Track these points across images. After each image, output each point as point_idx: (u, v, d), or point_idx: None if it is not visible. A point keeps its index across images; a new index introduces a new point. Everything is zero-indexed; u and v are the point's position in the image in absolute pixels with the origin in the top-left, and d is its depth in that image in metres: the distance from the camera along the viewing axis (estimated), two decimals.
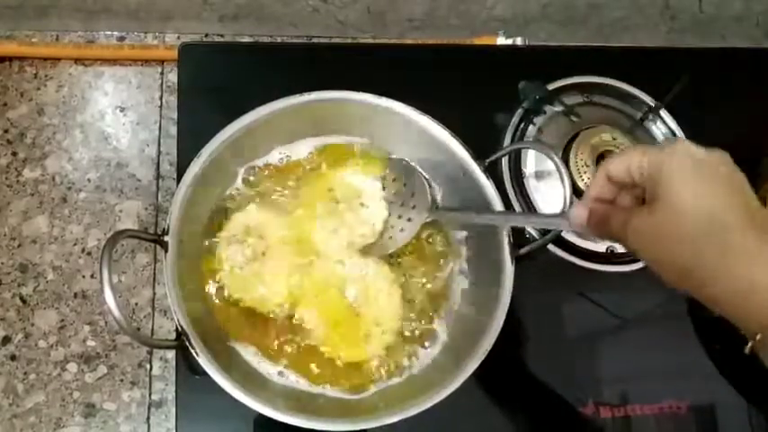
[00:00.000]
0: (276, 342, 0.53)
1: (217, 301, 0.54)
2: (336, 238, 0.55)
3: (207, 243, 0.55)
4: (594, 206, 0.41)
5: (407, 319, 0.55)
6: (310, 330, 0.53)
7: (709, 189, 0.35)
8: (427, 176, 0.58)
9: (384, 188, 0.57)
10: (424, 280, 0.56)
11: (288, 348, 0.53)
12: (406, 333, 0.55)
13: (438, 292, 0.56)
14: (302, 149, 0.59)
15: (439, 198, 0.58)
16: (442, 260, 0.57)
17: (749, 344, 0.35)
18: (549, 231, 0.57)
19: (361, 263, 0.55)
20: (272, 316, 0.53)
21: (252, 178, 0.57)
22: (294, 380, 0.53)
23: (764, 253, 0.34)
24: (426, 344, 0.55)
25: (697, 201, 0.35)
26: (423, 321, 0.55)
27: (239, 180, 0.57)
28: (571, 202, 0.52)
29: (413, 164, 0.58)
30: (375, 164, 0.58)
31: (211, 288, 0.54)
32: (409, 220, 0.55)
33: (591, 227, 0.42)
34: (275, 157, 0.58)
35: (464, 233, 0.58)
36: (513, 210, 0.61)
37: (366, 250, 0.55)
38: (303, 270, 0.54)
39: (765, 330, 0.34)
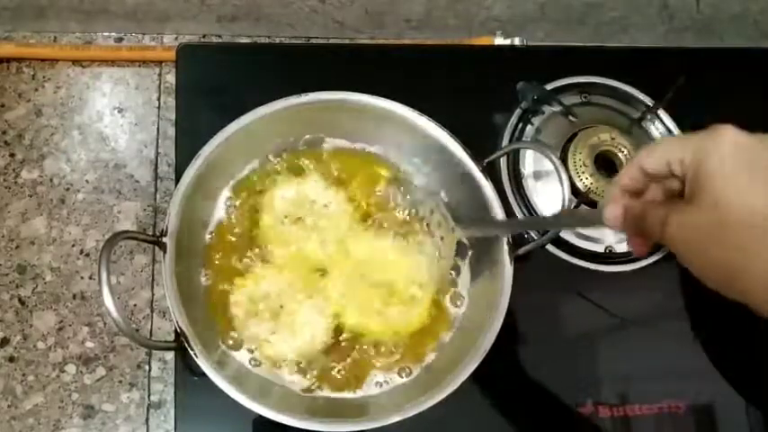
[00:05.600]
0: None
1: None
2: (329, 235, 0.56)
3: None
4: (629, 203, 0.39)
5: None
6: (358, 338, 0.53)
7: (752, 183, 0.33)
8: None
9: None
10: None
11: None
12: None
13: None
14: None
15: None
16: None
17: None
18: (547, 231, 0.57)
19: (366, 240, 0.56)
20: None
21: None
22: (293, 380, 0.53)
23: None
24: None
25: (740, 197, 0.33)
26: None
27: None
28: (570, 203, 0.52)
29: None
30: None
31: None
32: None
33: (626, 225, 0.39)
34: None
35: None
36: (519, 216, 0.61)
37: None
38: (322, 287, 0.54)
39: None
